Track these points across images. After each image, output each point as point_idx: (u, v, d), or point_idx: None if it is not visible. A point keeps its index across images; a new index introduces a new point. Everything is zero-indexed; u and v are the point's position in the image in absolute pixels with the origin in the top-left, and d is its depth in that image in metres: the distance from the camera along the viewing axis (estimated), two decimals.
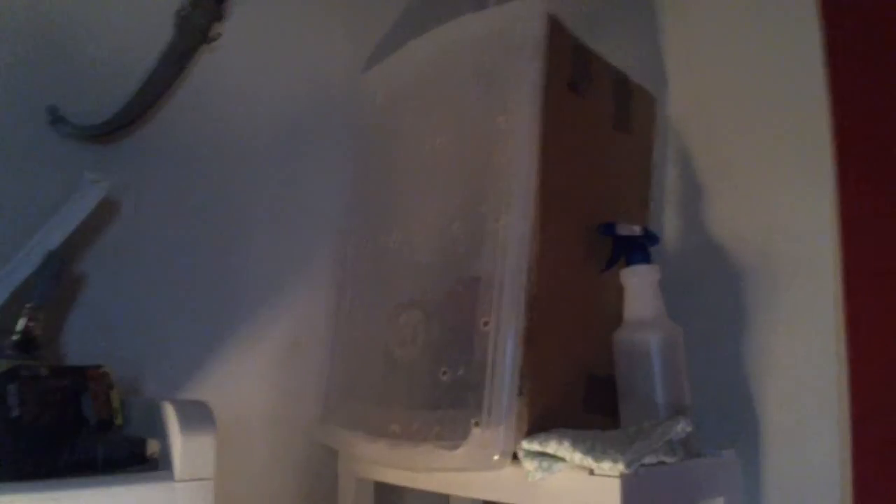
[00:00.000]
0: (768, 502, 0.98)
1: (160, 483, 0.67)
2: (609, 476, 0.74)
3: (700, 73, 1.15)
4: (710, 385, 1.03)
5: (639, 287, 0.94)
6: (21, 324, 0.78)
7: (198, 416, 0.71)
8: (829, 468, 0.93)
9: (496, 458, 0.79)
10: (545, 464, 0.78)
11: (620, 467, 0.73)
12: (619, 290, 0.96)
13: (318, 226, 1.19)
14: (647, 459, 0.77)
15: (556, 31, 0.94)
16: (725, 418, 1.03)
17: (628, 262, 0.95)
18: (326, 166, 1.21)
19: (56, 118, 0.92)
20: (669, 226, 1.14)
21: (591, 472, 0.75)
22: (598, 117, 1.02)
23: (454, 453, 0.83)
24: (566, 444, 0.76)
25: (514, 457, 0.81)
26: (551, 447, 0.77)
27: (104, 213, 0.95)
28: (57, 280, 0.82)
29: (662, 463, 0.80)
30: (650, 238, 0.98)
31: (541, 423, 0.84)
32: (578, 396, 0.92)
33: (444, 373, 0.89)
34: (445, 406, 0.88)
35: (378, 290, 1.07)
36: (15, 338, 0.77)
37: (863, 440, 0.90)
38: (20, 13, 0.92)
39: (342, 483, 1.07)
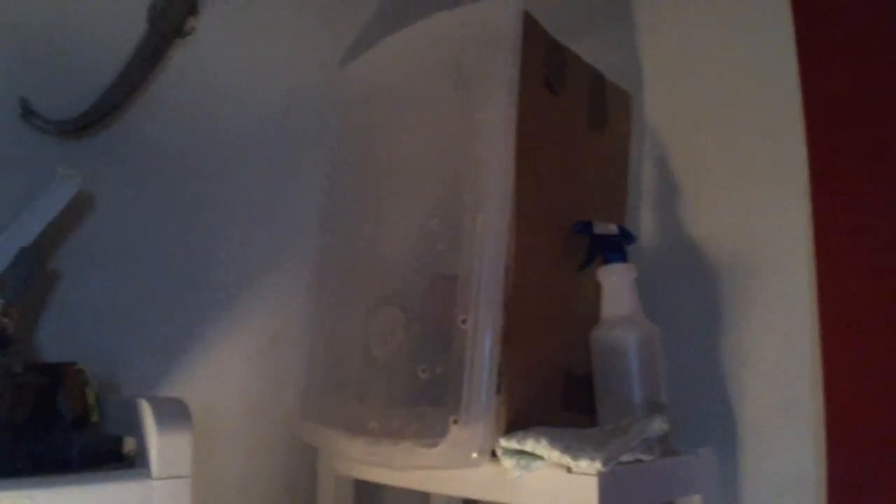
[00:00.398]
0: (745, 499, 0.99)
1: (137, 481, 0.66)
2: (586, 474, 0.74)
3: (675, 72, 1.16)
4: (685, 383, 1.04)
5: (615, 285, 0.95)
6: None
7: (174, 413, 0.70)
8: (804, 464, 0.94)
9: (474, 455, 0.79)
10: (523, 462, 0.78)
11: (598, 465, 0.73)
12: (596, 289, 0.97)
13: (293, 220, 1.18)
14: (625, 457, 0.78)
15: (531, 28, 0.94)
16: (701, 416, 1.04)
17: (605, 261, 0.96)
18: (302, 161, 1.20)
19: (27, 111, 0.91)
20: (645, 225, 1.15)
21: (569, 470, 0.76)
22: (573, 115, 1.02)
23: (433, 451, 0.83)
24: (544, 442, 0.77)
25: (493, 454, 0.81)
26: (529, 445, 0.78)
27: (77, 208, 0.93)
28: (30, 276, 0.81)
29: (639, 461, 0.81)
30: (627, 237, 0.98)
31: (519, 421, 0.84)
32: (556, 395, 0.93)
33: (423, 371, 0.89)
34: (424, 404, 0.87)
35: (355, 286, 1.07)
36: None
37: (837, 437, 0.91)
38: None
39: (322, 480, 1.07)
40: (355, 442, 0.95)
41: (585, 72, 1.04)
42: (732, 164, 1.07)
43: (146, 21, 1.00)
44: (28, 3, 0.93)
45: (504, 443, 0.80)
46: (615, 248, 0.96)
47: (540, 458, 0.77)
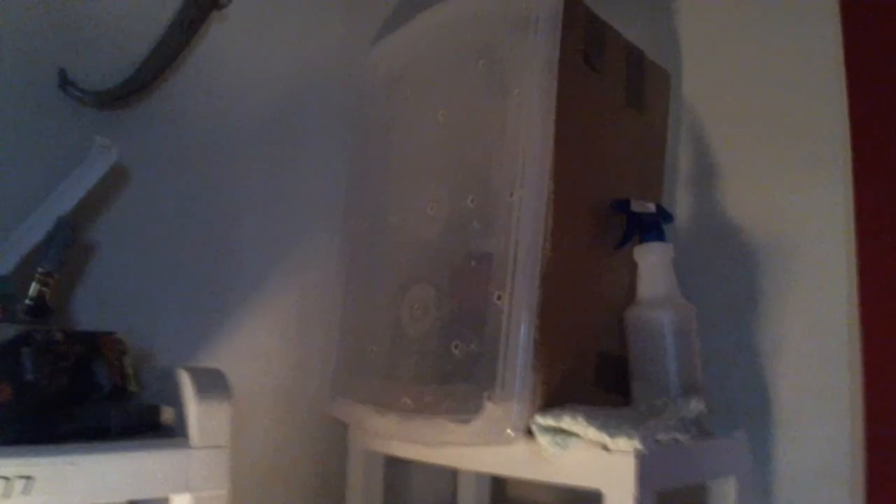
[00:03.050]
0: (779, 483, 0.98)
1: (177, 450, 0.67)
2: (624, 452, 0.73)
3: (715, 51, 1.14)
4: (720, 365, 1.03)
5: (653, 265, 0.93)
6: (33, 289, 0.77)
7: (213, 383, 0.70)
8: (839, 449, 0.93)
9: (509, 432, 0.79)
10: (559, 439, 0.78)
11: (636, 443, 0.72)
12: (632, 268, 0.96)
13: (323, 197, 1.18)
14: (661, 436, 0.77)
15: (571, 2, 0.92)
16: (736, 398, 1.03)
17: (642, 240, 0.95)
18: (331, 138, 1.20)
19: (65, 82, 0.91)
20: (681, 205, 1.13)
21: (606, 448, 0.75)
22: (612, 93, 1.01)
23: (466, 427, 0.82)
24: (580, 419, 0.76)
25: (527, 432, 0.80)
26: (565, 422, 0.77)
27: (113, 179, 0.93)
28: (68, 246, 0.81)
29: (676, 440, 0.80)
30: (665, 216, 0.97)
31: (553, 398, 0.84)
32: (590, 373, 0.92)
33: (456, 347, 0.88)
34: (457, 380, 0.87)
35: (387, 265, 1.06)
36: (27, 303, 0.76)
37: (875, 423, 0.90)
38: None
39: (352, 456, 1.07)
40: (387, 417, 0.95)
41: (625, 49, 1.02)
42: (771, 144, 1.05)
43: None
44: None
45: (540, 419, 0.79)
46: (653, 227, 0.94)
47: (576, 435, 0.77)
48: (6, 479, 0.57)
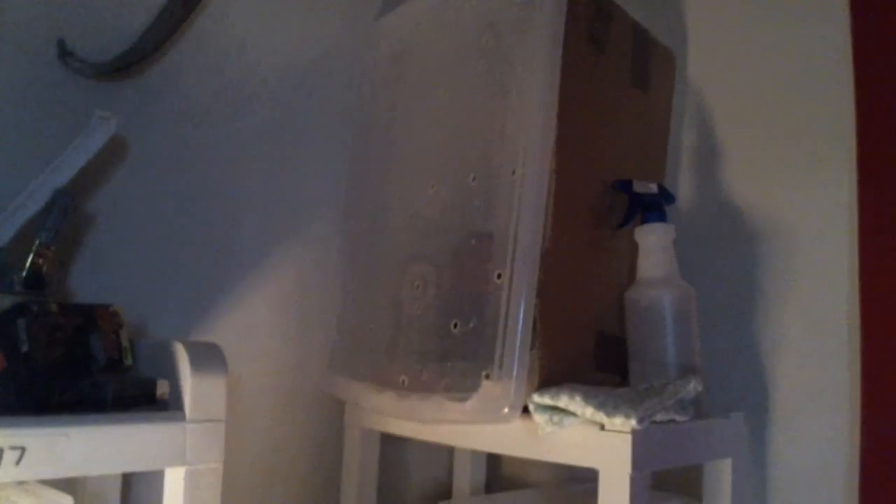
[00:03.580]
0: (775, 467, 0.98)
1: (172, 423, 0.66)
2: (620, 431, 0.73)
3: (721, 34, 1.13)
4: (718, 347, 1.03)
5: (654, 246, 0.93)
6: (30, 261, 0.77)
7: (209, 356, 0.70)
8: (836, 434, 0.93)
9: (506, 410, 0.78)
10: (556, 418, 0.77)
11: (632, 423, 0.72)
12: (633, 249, 0.95)
13: (324, 172, 1.18)
14: (659, 416, 0.77)
15: None
16: (733, 381, 1.02)
17: (644, 221, 0.94)
18: (332, 113, 1.19)
19: (65, 52, 0.90)
20: (684, 187, 1.13)
21: (603, 427, 0.75)
22: (616, 72, 1.00)
23: (464, 405, 0.82)
24: (578, 398, 0.76)
25: (524, 410, 0.80)
26: (563, 401, 0.77)
27: (112, 151, 0.93)
28: (65, 217, 0.81)
29: (673, 421, 0.80)
30: (667, 197, 0.96)
31: (551, 378, 0.84)
32: (588, 353, 0.92)
33: (456, 325, 0.88)
34: (455, 358, 0.87)
35: (387, 242, 1.06)
36: (23, 274, 0.76)
37: (873, 421, 0.89)
38: None
39: (348, 433, 1.07)
40: (384, 395, 0.95)
41: (631, 28, 1.01)
42: (776, 129, 1.04)
43: None
44: None
45: (537, 398, 0.79)
46: (654, 207, 0.94)
47: (573, 414, 0.77)
48: None
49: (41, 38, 0.90)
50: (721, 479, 0.90)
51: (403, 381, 0.92)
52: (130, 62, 0.94)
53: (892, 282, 0.91)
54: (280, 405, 1.10)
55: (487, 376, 0.81)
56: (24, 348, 0.67)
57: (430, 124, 1.04)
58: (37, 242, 0.78)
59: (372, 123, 1.16)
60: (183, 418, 0.67)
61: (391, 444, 1.11)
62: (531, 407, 0.79)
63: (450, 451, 1.21)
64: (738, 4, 1.11)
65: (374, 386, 0.97)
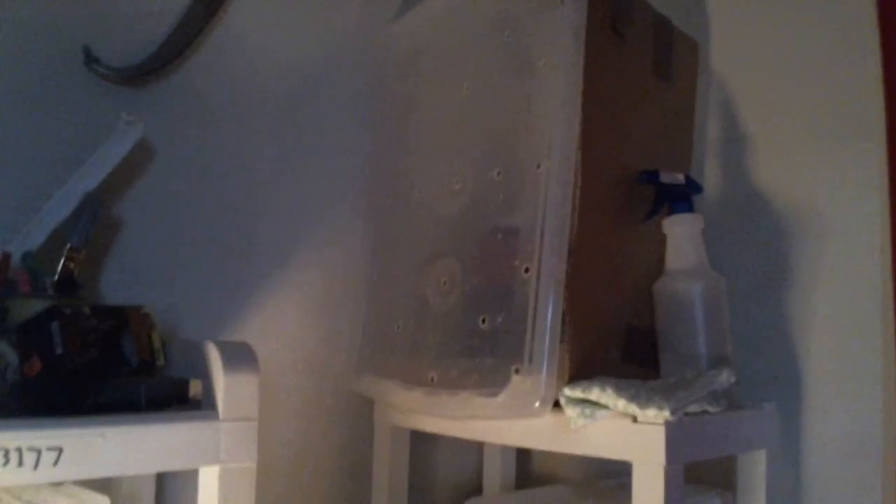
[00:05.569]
0: (808, 457, 0.97)
1: (205, 422, 0.67)
2: (653, 423, 0.73)
3: (744, 20, 1.12)
4: (749, 337, 1.02)
5: (682, 236, 0.92)
6: (61, 265, 0.78)
7: (241, 356, 0.70)
8: (871, 425, 0.91)
9: (537, 404, 0.78)
10: (588, 411, 0.77)
11: (666, 414, 0.72)
12: (660, 240, 0.94)
13: (348, 174, 1.18)
14: (692, 408, 0.76)
15: None
16: (765, 372, 1.01)
17: (671, 211, 0.94)
18: (352, 115, 1.19)
19: (90, 58, 0.91)
20: (710, 176, 1.12)
21: (635, 420, 0.74)
22: (639, 62, 0.99)
23: (494, 400, 0.82)
24: (609, 390, 0.76)
25: (555, 404, 0.80)
26: (594, 394, 0.76)
27: (138, 155, 0.94)
28: (95, 221, 0.81)
29: (706, 412, 0.79)
30: (694, 187, 0.95)
31: (581, 371, 0.83)
32: (618, 346, 0.91)
33: (484, 321, 0.88)
34: (484, 354, 0.87)
35: (412, 240, 1.06)
36: (55, 278, 0.77)
37: None
38: None
39: (378, 432, 1.08)
40: (413, 392, 0.95)
41: (653, 18, 1.01)
42: (802, 115, 1.03)
43: None
44: None
45: (568, 391, 0.78)
46: (682, 198, 0.93)
47: (605, 407, 0.76)
48: (36, 450, 0.58)
49: (67, 45, 0.91)
50: (755, 470, 0.89)
51: (432, 378, 0.92)
52: (154, 67, 0.95)
53: None
54: (309, 404, 1.11)
55: (517, 371, 0.81)
56: (59, 351, 0.67)
57: (451, 121, 1.04)
58: (67, 246, 0.79)
59: (391, 121, 1.16)
60: (216, 417, 0.68)
61: (421, 442, 1.11)
62: (562, 400, 0.79)
63: (479, 448, 1.21)
64: None
65: (402, 383, 0.97)
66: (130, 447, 0.63)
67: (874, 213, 0.94)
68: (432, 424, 0.98)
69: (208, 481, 0.69)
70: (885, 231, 0.93)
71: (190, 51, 1.00)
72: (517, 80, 0.94)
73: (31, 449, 0.57)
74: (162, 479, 0.90)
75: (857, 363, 0.94)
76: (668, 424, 0.72)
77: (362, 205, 1.17)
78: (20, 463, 0.57)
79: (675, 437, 0.72)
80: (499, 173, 0.93)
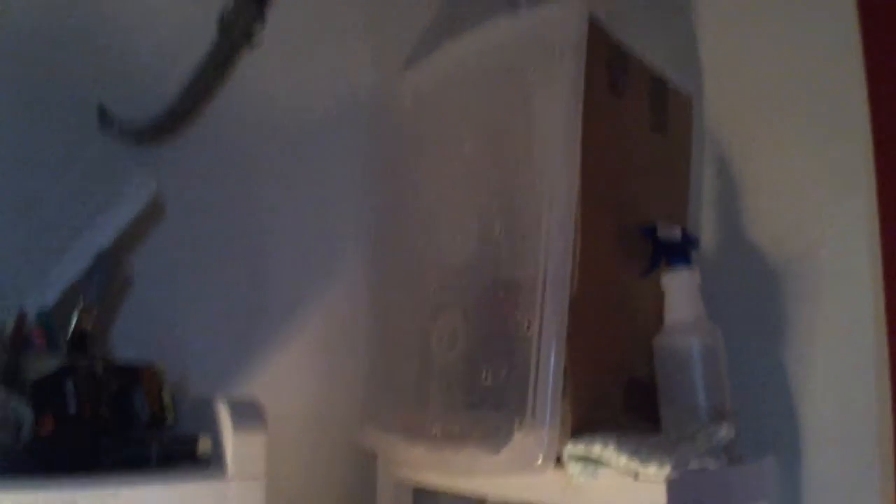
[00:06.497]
0: None
1: (215, 481, 0.68)
2: (655, 481, 0.74)
3: (735, 74, 1.15)
4: (747, 390, 1.03)
5: (680, 290, 0.94)
6: (74, 322, 0.79)
7: (250, 414, 0.72)
8: (869, 476, 0.92)
9: (540, 461, 0.79)
10: (590, 467, 0.78)
11: (667, 472, 0.73)
12: (660, 293, 0.96)
13: (351, 226, 1.20)
14: (692, 464, 0.77)
15: (596, 30, 0.93)
16: (763, 423, 1.02)
17: (669, 266, 0.95)
18: (362, 167, 1.22)
19: (104, 118, 0.93)
20: (707, 229, 1.14)
21: (637, 476, 0.75)
22: (635, 118, 1.02)
23: (497, 456, 0.83)
24: (611, 447, 0.77)
25: (557, 460, 0.81)
26: (596, 451, 0.78)
27: (151, 212, 0.96)
28: (108, 279, 0.83)
29: (706, 469, 0.80)
30: (691, 241, 0.98)
31: (583, 426, 0.84)
32: (619, 400, 0.92)
33: (486, 376, 0.89)
34: (487, 408, 0.88)
35: (415, 291, 1.07)
36: (68, 334, 0.78)
37: None
38: (70, 14, 0.94)
39: (381, 486, 1.08)
40: (416, 447, 0.95)
41: (648, 74, 1.04)
42: (794, 167, 1.05)
43: (216, 30, 1.02)
44: (103, 15, 0.96)
45: (570, 448, 0.80)
46: (679, 252, 0.95)
47: (606, 464, 0.77)
48: None
49: (81, 104, 0.93)
50: None
51: (435, 433, 0.93)
52: (167, 125, 0.98)
53: None
54: (312, 456, 1.11)
55: (520, 426, 0.82)
56: (72, 410, 0.69)
57: (455, 173, 1.06)
58: (81, 303, 0.81)
59: (397, 174, 1.18)
60: (225, 476, 0.69)
61: (423, 497, 1.11)
62: (564, 457, 0.80)
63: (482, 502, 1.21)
64: (751, 47, 1.13)
65: (406, 437, 0.97)
66: None
67: (869, 265, 0.96)
68: (436, 479, 0.99)
69: None
70: (879, 278, 0.95)
71: (202, 108, 1.03)
72: (518, 135, 0.97)
73: None
74: None
75: (854, 416, 0.95)
76: (669, 481, 0.73)
77: (367, 256, 1.19)
78: None
79: (676, 495, 0.73)
80: (500, 228, 0.95)
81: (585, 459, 0.79)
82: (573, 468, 0.79)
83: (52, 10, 0.93)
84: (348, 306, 1.17)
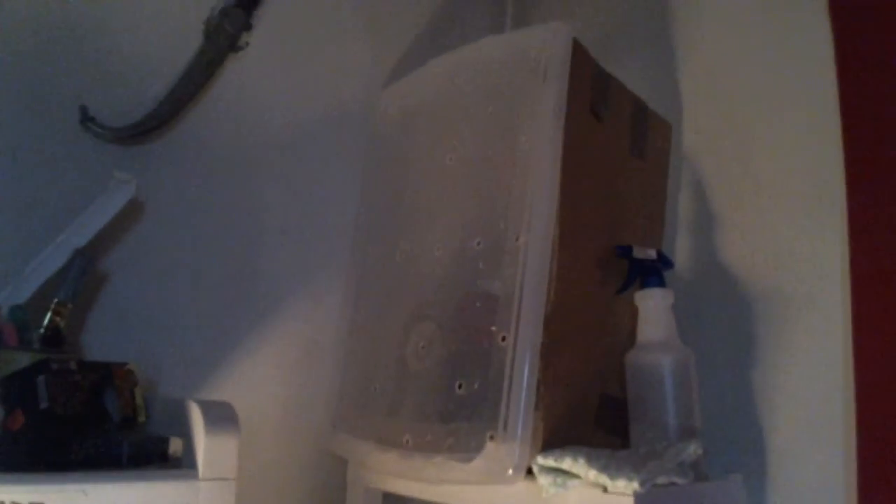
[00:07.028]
0: None
1: (185, 481, 0.68)
2: (623, 494, 0.75)
3: (713, 100, 1.17)
4: (716, 409, 1.04)
5: (652, 310, 0.95)
6: (48, 318, 0.79)
7: (223, 416, 0.72)
8: (833, 494, 0.94)
9: (510, 472, 0.79)
10: (559, 480, 0.79)
11: (635, 486, 0.74)
12: (634, 313, 0.98)
13: (332, 233, 1.21)
14: (660, 479, 0.78)
15: (579, 54, 0.96)
16: (731, 442, 1.04)
17: (643, 285, 0.97)
18: (341, 175, 1.23)
19: (86, 118, 0.94)
20: (681, 251, 1.16)
21: (605, 490, 0.76)
22: (616, 142, 1.03)
23: (468, 466, 0.83)
24: (581, 460, 0.77)
25: (528, 472, 0.82)
26: (566, 463, 0.78)
27: (129, 212, 0.96)
28: (83, 277, 0.83)
29: (673, 484, 0.81)
30: (665, 262, 0.99)
31: (554, 439, 0.85)
32: (591, 414, 0.93)
33: (460, 386, 0.90)
34: (460, 419, 0.88)
35: (392, 301, 1.08)
36: (42, 332, 0.78)
37: (868, 470, 0.91)
38: (54, 15, 0.94)
39: (350, 492, 1.08)
40: (388, 455, 0.96)
41: (629, 99, 1.06)
42: (768, 194, 1.08)
43: (202, 35, 1.03)
44: (87, 15, 0.96)
45: (541, 460, 0.80)
46: (653, 272, 0.97)
47: (576, 476, 0.78)
48: None
49: (63, 104, 0.93)
50: None
51: (407, 441, 0.93)
52: (150, 128, 0.98)
53: (886, 339, 0.93)
54: (284, 461, 1.11)
55: (492, 437, 0.82)
56: (43, 405, 0.68)
57: (437, 187, 1.07)
58: (55, 301, 0.80)
59: (381, 185, 1.19)
60: (196, 477, 0.69)
61: (392, 502, 1.11)
62: (535, 469, 0.81)
63: None
64: (729, 76, 1.16)
65: (377, 445, 0.98)
66: None
67: (838, 286, 0.98)
68: (405, 487, 0.99)
69: None
70: (847, 308, 0.97)
71: (186, 111, 1.03)
72: (500, 153, 0.98)
73: None
74: None
75: (819, 436, 0.97)
76: (636, 495, 0.74)
77: (346, 263, 1.20)
78: None
79: None
80: (479, 243, 0.96)
81: (556, 471, 0.79)
82: (543, 480, 0.79)
83: (39, 10, 0.93)
84: (325, 312, 1.17)
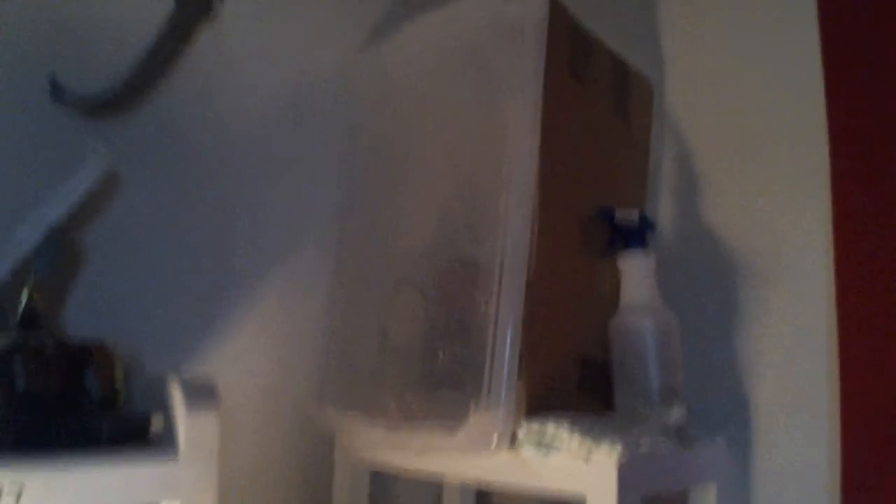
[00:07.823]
0: (759, 490, 1.00)
1: (166, 459, 0.68)
2: (607, 459, 0.75)
3: (697, 64, 1.16)
4: (700, 373, 1.05)
5: (635, 273, 0.95)
6: (24, 298, 0.78)
7: (203, 393, 0.71)
8: (815, 457, 0.95)
9: (495, 439, 0.80)
10: (543, 448, 0.79)
11: (618, 451, 0.74)
12: (616, 276, 0.97)
13: (312, 205, 1.19)
14: (644, 445, 0.79)
15: (557, 13, 0.94)
16: (715, 406, 1.04)
17: (625, 248, 0.96)
18: (320, 144, 1.20)
19: (56, 88, 0.91)
20: (664, 215, 1.15)
21: (589, 455, 0.76)
22: (597, 103, 1.02)
23: (453, 435, 0.83)
24: (564, 426, 0.78)
25: (512, 440, 0.82)
26: (550, 430, 0.79)
27: (105, 187, 0.94)
28: (59, 255, 0.82)
29: (657, 449, 0.82)
30: (648, 225, 0.99)
31: (538, 405, 0.85)
32: (574, 380, 0.94)
33: (443, 353, 0.90)
34: (444, 387, 0.88)
35: (375, 270, 1.07)
36: (18, 311, 0.77)
37: (851, 430, 0.92)
38: None
39: (338, 465, 1.07)
40: (373, 425, 0.96)
41: (609, 59, 1.04)
42: (752, 157, 1.07)
43: (173, 1, 1.00)
44: None
45: (525, 427, 0.80)
46: (636, 235, 0.96)
47: (560, 442, 0.78)
48: None
49: (32, 75, 0.91)
50: (706, 503, 0.91)
51: (393, 411, 0.93)
52: (122, 98, 0.96)
53: (869, 303, 0.93)
54: (269, 437, 1.11)
55: (476, 407, 0.82)
56: (21, 386, 0.68)
57: (417, 152, 1.06)
58: (31, 280, 0.79)
59: (361, 152, 1.18)
60: (177, 454, 0.69)
61: (381, 480, 1.11)
62: (520, 436, 0.81)
63: (439, 488, 1.22)
64: (713, 35, 1.14)
65: (363, 416, 0.98)
66: (92, 484, 0.64)
67: (821, 251, 0.98)
68: (392, 458, 0.99)
69: None
70: (831, 271, 0.97)
71: (160, 81, 1.01)
72: (479, 116, 0.97)
73: None
74: None
75: (802, 398, 0.97)
76: (620, 461, 0.74)
77: (328, 236, 1.19)
78: None
79: (627, 473, 0.74)
80: (461, 207, 0.95)
81: (539, 438, 0.79)
82: (527, 446, 0.80)
83: None
84: (307, 284, 1.16)
